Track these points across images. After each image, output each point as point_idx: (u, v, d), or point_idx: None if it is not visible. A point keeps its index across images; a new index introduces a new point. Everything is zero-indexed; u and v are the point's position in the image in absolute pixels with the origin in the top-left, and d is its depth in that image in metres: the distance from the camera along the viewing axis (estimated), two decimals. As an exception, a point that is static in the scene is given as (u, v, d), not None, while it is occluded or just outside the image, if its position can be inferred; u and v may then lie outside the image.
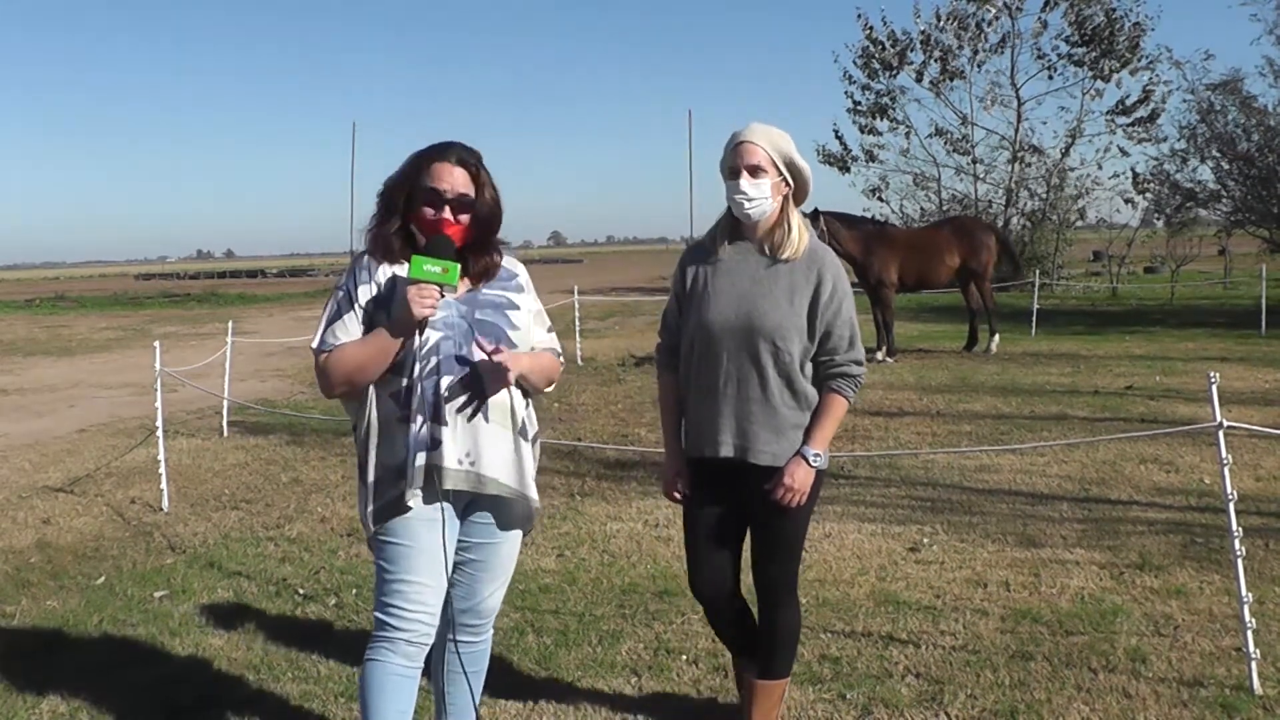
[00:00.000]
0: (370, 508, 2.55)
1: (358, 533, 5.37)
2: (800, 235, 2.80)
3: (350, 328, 2.54)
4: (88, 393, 12.09)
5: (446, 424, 2.52)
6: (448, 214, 2.57)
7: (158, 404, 6.45)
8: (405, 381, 2.52)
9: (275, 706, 3.45)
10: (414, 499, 2.52)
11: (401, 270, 2.55)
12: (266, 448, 8.03)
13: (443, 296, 2.51)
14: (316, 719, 3.36)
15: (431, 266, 2.45)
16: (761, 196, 2.76)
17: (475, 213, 2.61)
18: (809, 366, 2.79)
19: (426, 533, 2.53)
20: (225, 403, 8.85)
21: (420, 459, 2.50)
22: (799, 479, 2.76)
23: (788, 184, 2.81)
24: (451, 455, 2.52)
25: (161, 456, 6.33)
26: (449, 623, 2.70)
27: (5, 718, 3.42)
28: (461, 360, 2.55)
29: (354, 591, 4.58)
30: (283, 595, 4.59)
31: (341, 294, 2.58)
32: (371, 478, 2.54)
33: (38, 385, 12.98)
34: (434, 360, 2.53)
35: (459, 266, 2.51)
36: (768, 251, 2.81)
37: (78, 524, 5.97)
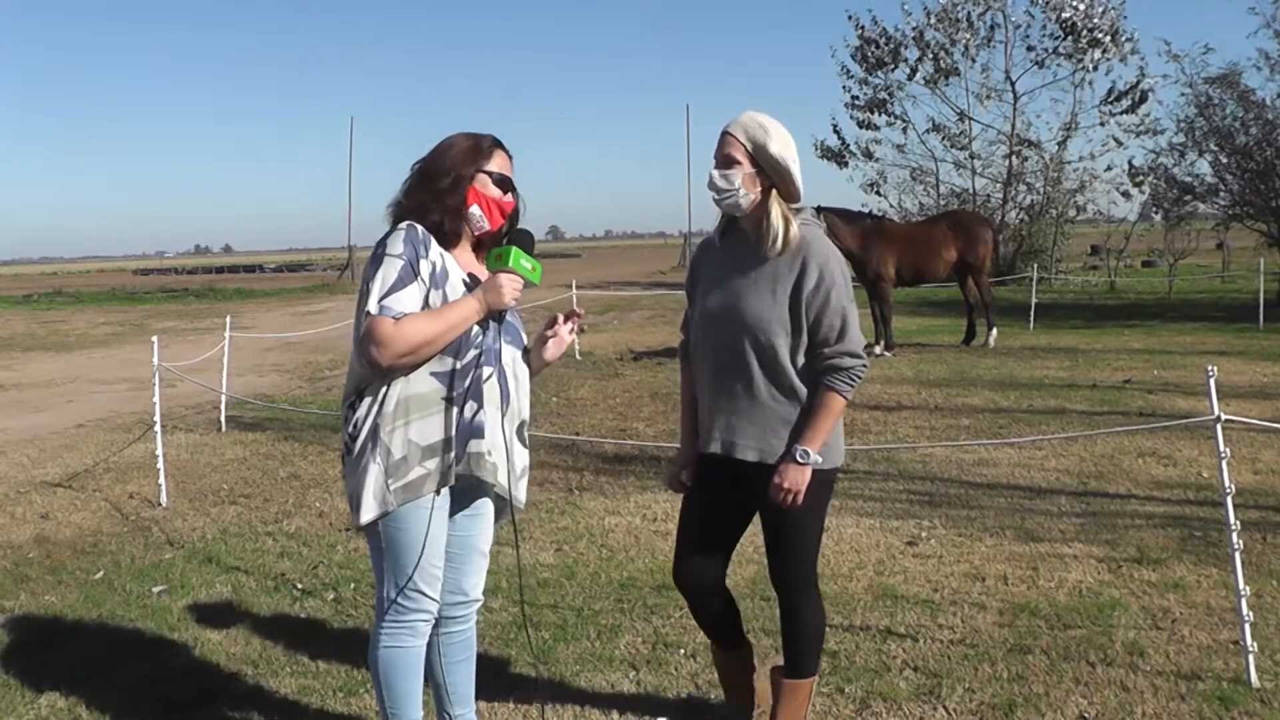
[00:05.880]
0: (394, 484, 2.51)
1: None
2: (781, 230, 2.68)
3: (414, 298, 2.49)
4: (86, 388, 12.07)
5: (487, 413, 2.56)
6: (510, 198, 2.66)
7: (156, 399, 6.44)
8: (456, 364, 2.53)
9: (273, 702, 3.45)
10: (431, 483, 2.53)
11: (450, 256, 2.59)
12: (264, 443, 8.03)
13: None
14: (315, 714, 3.36)
15: (526, 262, 2.59)
16: (730, 188, 2.69)
17: (516, 202, 2.73)
18: (801, 360, 2.71)
19: (436, 515, 2.57)
20: (223, 398, 8.84)
21: (476, 445, 2.54)
22: (789, 478, 2.68)
23: (767, 177, 2.70)
24: (487, 445, 2.56)
25: (160, 451, 6.33)
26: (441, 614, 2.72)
27: (4, 713, 3.42)
28: (494, 354, 2.60)
29: (352, 586, 4.58)
30: (281, 590, 4.59)
31: (403, 263, 2.49)
32: (397, 455, 2.51)
33: (36, 380, 12.96)
34: (481, 349, 2.57)
35: (541, 267, 2.65)
36: (756, 244, 2.74)
37: (76, 519, 5.96)
